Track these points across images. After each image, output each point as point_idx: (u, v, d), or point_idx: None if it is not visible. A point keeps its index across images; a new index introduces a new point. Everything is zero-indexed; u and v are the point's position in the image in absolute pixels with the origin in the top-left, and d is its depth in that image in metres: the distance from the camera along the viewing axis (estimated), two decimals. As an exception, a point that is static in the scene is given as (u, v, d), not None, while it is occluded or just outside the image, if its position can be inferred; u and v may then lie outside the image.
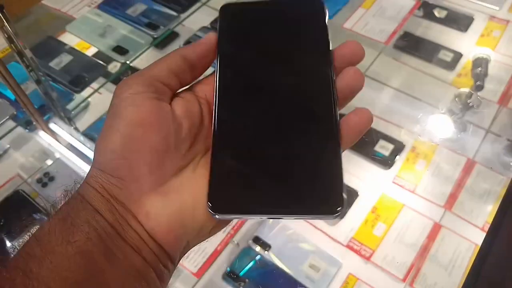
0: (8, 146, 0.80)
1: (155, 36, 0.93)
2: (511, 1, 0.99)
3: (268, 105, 0.25)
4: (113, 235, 0.21)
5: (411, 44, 0.93)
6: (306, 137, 0.24)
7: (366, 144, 0.77)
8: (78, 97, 0.85)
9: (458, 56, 0.90)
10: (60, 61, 0.89)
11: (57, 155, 0.78)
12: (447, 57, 0.90)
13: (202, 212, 0.23)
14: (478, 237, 0.66)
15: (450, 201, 0.71)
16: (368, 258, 0.66)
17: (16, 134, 0.81)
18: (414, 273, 0.65)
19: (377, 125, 0.80)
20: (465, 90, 0.83)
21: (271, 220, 0.68)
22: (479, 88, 0.81)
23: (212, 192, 0.23)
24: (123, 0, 1.00)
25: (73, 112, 0.83)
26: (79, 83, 0.86)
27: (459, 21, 0.96)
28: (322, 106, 0.25)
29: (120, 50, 0.90)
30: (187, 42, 0.93)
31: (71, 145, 0.77)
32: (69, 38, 0.96)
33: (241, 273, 0.65)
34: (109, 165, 0.22)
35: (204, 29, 0.95)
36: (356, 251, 0.67)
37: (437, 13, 0.98)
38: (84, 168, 0.75)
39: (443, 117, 0.81)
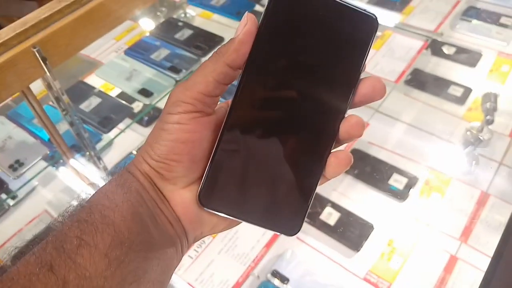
0: (36, 183, 0.85)
1: (177, 79, 0.99)
2: (518, 37, 1.02)
3: (277, 120, 0.27)
4: (155, 206, 0.27)
5: (421, 80, 0.96)
6: (294, 164, 0.28)
7: (380, 178, 0.79)
8: (105, 137, 0.91)
9: (468, 91, 0.93)
10: (90, 104, 0.96)
11: (85, 193, 0.82)
12: (457, 92, 0.93)
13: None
14: (495, 270, 0.67)
15: (466, 233, 0.72)
16: (385, 291, 0.67)
17: (45, 172, 0.86)
18: (432, 306, 0.65)
19: (390, 159, 0.83)
20: (476, 123, 0.85)
21: (288, 254, 0.71)
22: (490, 122, 0.83)
23: (203, 189, 0.27)
24: (148, 46, 1.07)
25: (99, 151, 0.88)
26: (107, 124, 0.91)
27: (467, 57, 1.00)
28: (322, 139, 0.28)
29: (145, 92, 0.96)
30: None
31: (97, 183, 0.82)
32: (94, 80, 1.03)
33: (261, 306, 0.67)
34: (155, 164, 0.27)
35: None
36: (373, 284, 0.68)
37: (445, 50, 1.02)
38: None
39: (455, 151, 0.83)
